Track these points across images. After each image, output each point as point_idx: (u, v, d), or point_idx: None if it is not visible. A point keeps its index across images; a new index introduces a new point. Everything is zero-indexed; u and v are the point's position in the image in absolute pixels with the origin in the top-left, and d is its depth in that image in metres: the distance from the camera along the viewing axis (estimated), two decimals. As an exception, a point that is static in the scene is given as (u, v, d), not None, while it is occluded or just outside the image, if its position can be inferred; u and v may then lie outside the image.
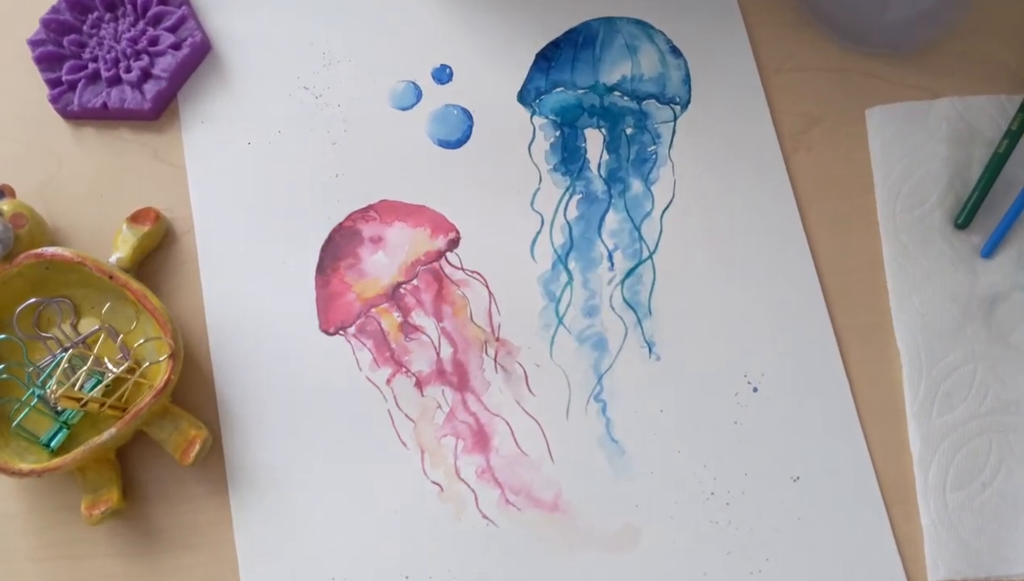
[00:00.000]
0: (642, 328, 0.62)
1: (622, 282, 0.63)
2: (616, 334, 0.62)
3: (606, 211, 0.65)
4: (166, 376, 0.59)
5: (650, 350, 0.62)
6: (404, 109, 0.67)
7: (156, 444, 0.60)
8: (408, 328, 0.62)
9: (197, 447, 0.59)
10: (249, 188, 0.65)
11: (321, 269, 0.63)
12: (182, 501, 0.60)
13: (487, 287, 0.63)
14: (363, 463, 0.59)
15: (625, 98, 0.66)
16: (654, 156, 0.66)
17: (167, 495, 0.60)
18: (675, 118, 0.66)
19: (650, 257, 0.64)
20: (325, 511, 0.59)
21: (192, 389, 0.61)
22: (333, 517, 0.59)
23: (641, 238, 0.64)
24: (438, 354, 0.61)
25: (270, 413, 0.61)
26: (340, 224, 0.64)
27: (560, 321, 0.62)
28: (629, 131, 0.66)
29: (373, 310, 0.62)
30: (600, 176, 0.65)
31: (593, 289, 0.63)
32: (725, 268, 0.63)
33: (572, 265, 0.63)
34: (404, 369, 0.61)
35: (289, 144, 0.66)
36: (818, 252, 0.64)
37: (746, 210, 0.63)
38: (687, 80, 0.67)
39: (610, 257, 0.63)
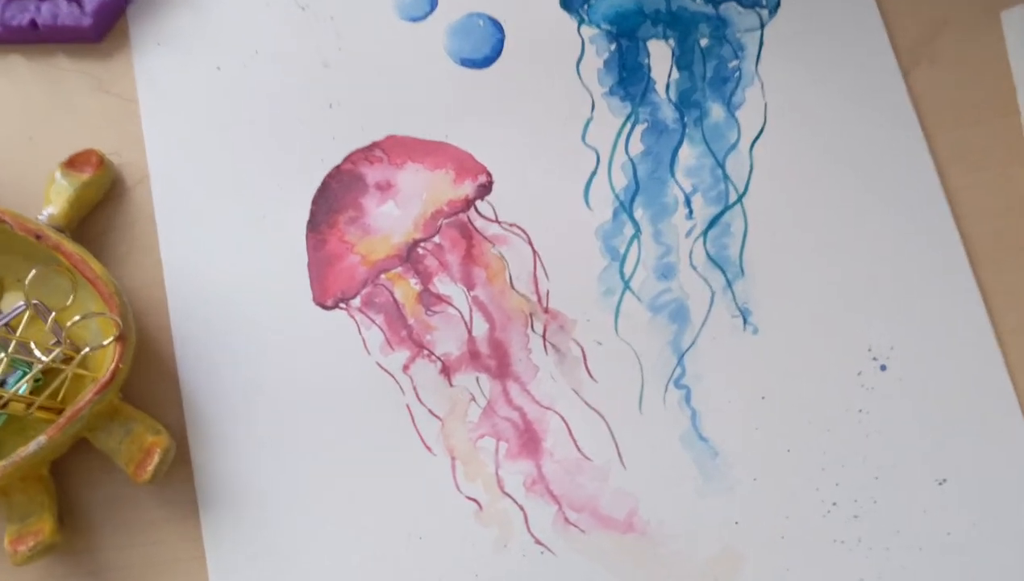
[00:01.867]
0: (733, 292, 0.52)
1: (705, 233, 0.53)
2: (700, 301, 0.52)
3: (679, 144, 0.54)
4: (113, 365, 0.48)
5: (745, 320, 0.52)
6: (415, 20, 0.57)
7: (103, 456, 0.49)
8: (430, 299, 0.52)
9: (156, 458, 0.48)
10: (219, 125, 0.55)
11: (314, 225, 0.54)
12: (138, 530, 0.50)
13: (530, 244, 0.53)
14: (375, 475, 0.50)
15: (698, 0, 0.56)
16: (737, 73, 0.55)
17: (118, 523, 0.50)
18: (762, 25, 0.56)
19: (739, 200, 0.53)
20: (326, 539, 0.50)
21: (149, 382, 0.51)
22: (337, 547, 0.49)
23: (726, 177, 0.54)
24: (470, 331, 0.51)
25: (251, 412, 0.51)
26: (337, 167, 0.54)
27: (627, 286, 0.52)
28: (704, 42, 0.55)
29: (383, 276, 0.52)
30: (669, 100, 0.55)
31: (668, 243, 0.53)
32: (835, 212, 0.53)
33: (639, 213, 0.53)
34: (426, 352, 0.51)
35: (269, 68, 0.56)
36: (952, 191, 0.54)
37: (857, 140, 0.53)
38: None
39: (688, 202, 0.53)
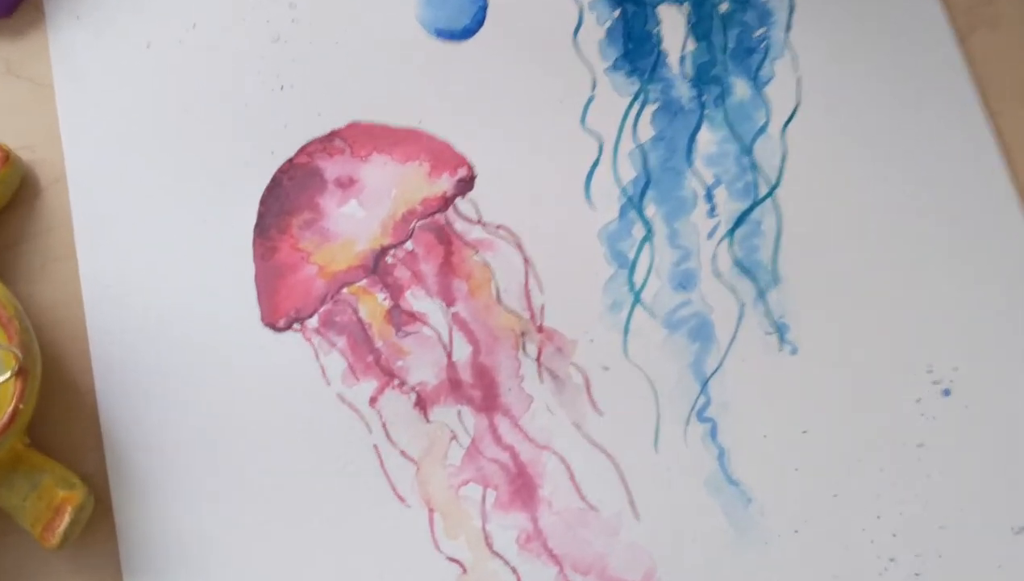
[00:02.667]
0: (766, 303, 0.46)
1: (731, 234, 0.47)
2: (726, 315, 0.46)
3: (697, 128, 0.48)
4: (12, 406, 0.41)
5: (781, 337, 0.46)
6: None
7: (5, 515, 0.44)
8: (401, 317, 0.47)
9: (67, 518, 0.43)
10: (149, 113, 0.50)
11: (262, 230, 0.48)
12: (49, 604, 0.44)
13: (520, 249, 0.47)
14: (336, 532, 0.45)
15: None
16: (764, 43, 0.49)
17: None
18: None
19: (771, 194, 0.47)
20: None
21: (62, 423, 0.46)
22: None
23: (754, 166, 0.48)
24: (449, 356, 0.46)
25: (188, 458, 0.46)
26: (290, 161, 0.49)
27: (637, 298, 0.47)
28: (725, 7, 0.50)
29: (345, 290, 0.47)
30: (684, 76, 0.49)
31: (686, 246, 0.47)
32: (885, 207, 0.47)
33: (651, 211, 0.48)
34: (397, 381, 0.46)
35: (209, 44, 0.50)
36: (1023, 178, 0.47)
37: (908, 119, 0.48)
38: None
39: (709, 196, 0.48)
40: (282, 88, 0.50)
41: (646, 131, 0.49)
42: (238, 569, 0.44)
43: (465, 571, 0.44)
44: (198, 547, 0.45)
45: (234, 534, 0.45)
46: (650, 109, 0.49)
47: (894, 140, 0.48)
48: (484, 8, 0.50)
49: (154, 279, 0.48)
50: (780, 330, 0.46)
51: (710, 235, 0.47)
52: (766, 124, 0.48)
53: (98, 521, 0.45)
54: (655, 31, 0.50)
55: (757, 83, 0.49)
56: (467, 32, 0.50)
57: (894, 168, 0.47)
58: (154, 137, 0.49)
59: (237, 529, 0.45)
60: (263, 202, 0.48)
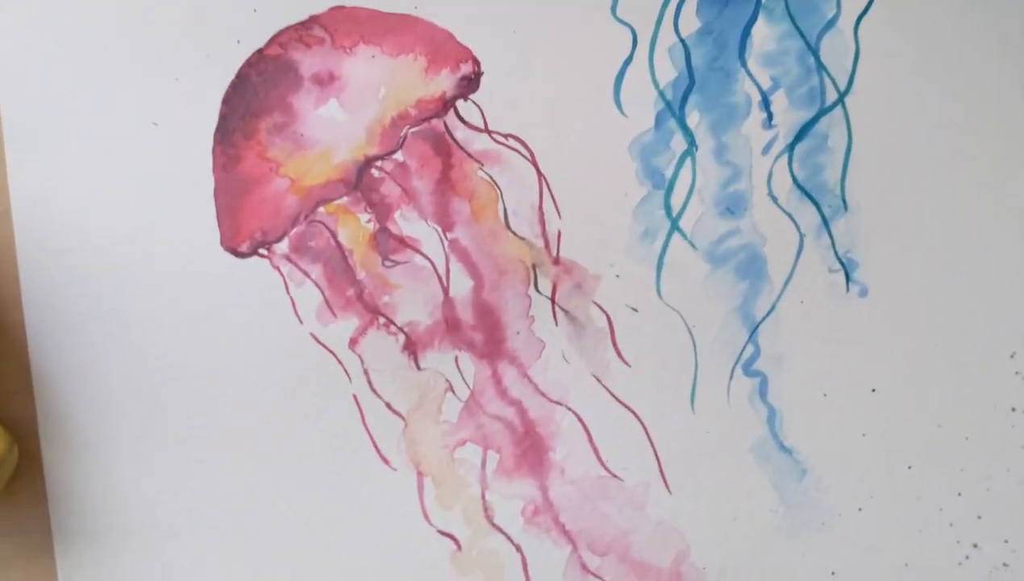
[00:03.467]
0: (831, 235, 0.42)
1: (790, 149, 0.42)
2: (782, 247, 0.42)
3: (752, 19, 0.43)
4: None
5: (848, 276, 0.41)
6: None
7: None
8: (389, 243, 0.43)
9: None
10: None
11: (225, 135, 0.43)
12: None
13: (534, 164, 0.42)
14: (306, 497, 0.42)
15: None
16: None
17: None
18: None
19: (840, 101, 0.42)
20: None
21: None
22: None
23: (821, 67, 0.42)
24: (446, 291, 0.42)
25: (131, 407, 0.42)
26: (259, 52, 0.43)
27: (675, 225, 0.42)
28: None
29: (322, 209, 0.43)
30: None
31: (736, 164, 0.42)
32: (977, 117, 0.42)
33: (694, 120, 0.42)
34: (383, 320, 0.42)
35: None
36: None
37: (1014, 9, 0.42)
38: None
39: (765, 103, 0.42)
40: (250, -37, 0.44)
41: (690, 22, 0.43)
42: (187, 539, 0.41)
43: (459, 548, 0.41)
44: (142, 512, 0.41)
45: (183, 498, 0.41)
46: None
47: (993, 36, 0.42)
48: None
49: (94, 193, 0.43)
50: (847, 267, 0.41)
51: (765, 150, 0.43)
52: (836, 16, 0.43)
53: (25, 478, 0.42)
54: (704, -96, 0.44)
55: (827, -36, 0.43)
56: None
57: (988, 70, 0.42)
58: (95, 25, 0.44)
59: (187, 492, 0.41)
60: (226, 101, 0.43)
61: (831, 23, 0.42)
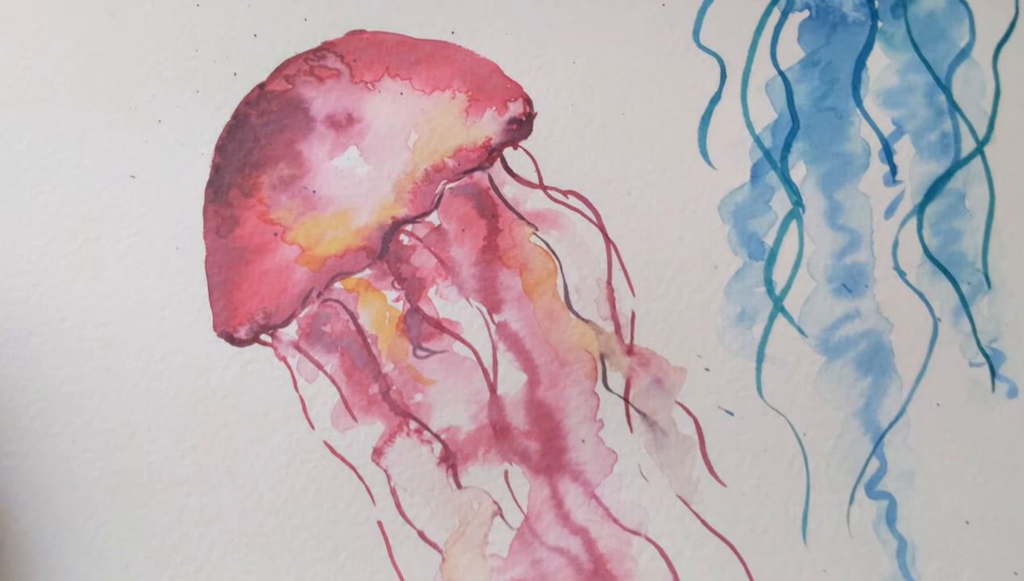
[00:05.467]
0: (971, 319, 0.35)
1: (920, 210, 0.35)
2: (912, 335, 0.35)
3: (868, 47, 0.36)
4: None
5: (993, 373, 0.35)
6: None
7: None
8: (422, 328, 0.35)
9: None
10: (54, 20, 0.37)
11: (218, 191, 0.36)
12: None
13: (601, 228, 0.35)
14: None
15: None
16: None
17: None
18: None
19: (979, 150, 0.35)
20: None
21: None
22: None
23: (955, 107, 0.35)
24: (492, 389, 0.35)
25: (105, 520, 0.34)
26: (261, 86, 0.37)
27: (778, 305, 0.35)
28: None
29: (339, 284, 0.35)
30: None
31: (853, 228, 0.36)
32: None
33: (800, 172, 0.36)
34: (414, 424, 0.35)
35: None
36: None
37: None
38: None
39: (887, 152, 0.35)
40: (250, -22, 0.37)
41: (791, 51, 0.36)
42: None
43: None
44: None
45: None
46: (797, 18, 0.36)
47: None
48: None
49: (61, 263, 0.36)
50: (991, 360, 0.35)
51: (889, 212, 0.36)
52: (970, 45, 0.36)
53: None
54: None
55: (958, -18, 0.36)
56: (526, -101, 0.36)
57: None
58: (64, 55, 0.36)
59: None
60: (220, 149, 0.36)
61: (964, 53, 0.36)
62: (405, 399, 0.34)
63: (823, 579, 0.33)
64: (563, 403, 0.35)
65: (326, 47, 0.36)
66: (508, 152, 0.35)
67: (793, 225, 0.35)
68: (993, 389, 0.34)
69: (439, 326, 0.34)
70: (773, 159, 0.35)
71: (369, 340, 0.35)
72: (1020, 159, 0.35)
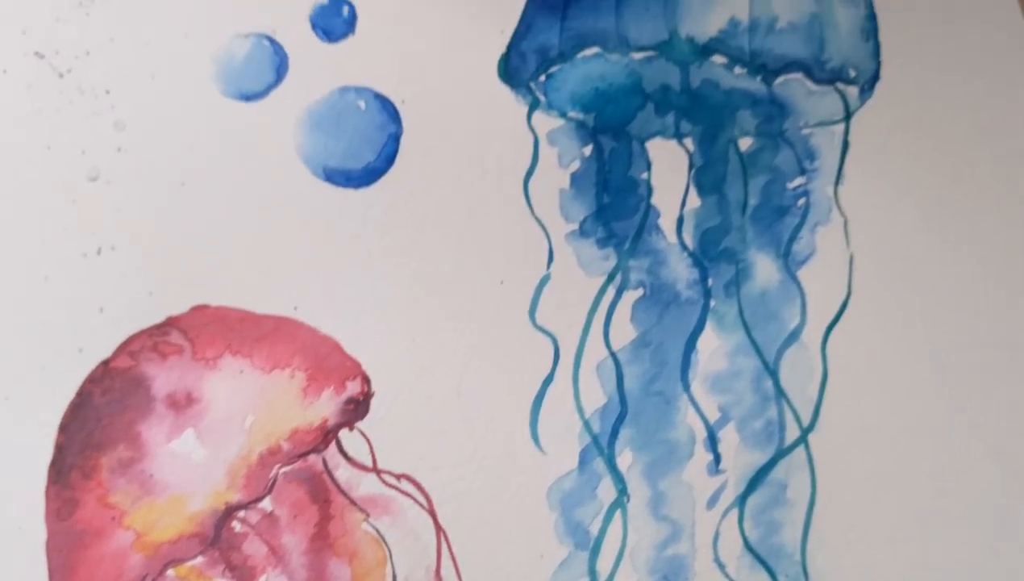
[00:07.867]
0: None
1: (741, 501, 0.35)
2: None
3: (698, 329, 0.36)
4: None
5: None
6: (249, 98, 0.38)
7: None
8: None
9: None
10: None
11: (60, 472, 0.35)
12: None
13: (432, 515, 0.35)
14: None
15: (736, 70, 0.37)
16: (803, 201, 0.37)
17: None
18: (848, 114, 0.37)
19: (802, 439, 0.35)
20: None
21: None
22: None
23: (782, 394, 0.35)
24: None
25: None
26: (105, 363, 0.36)
27: None
28: (747, 144, 0.37)
29: (171, 572, 0.34)
30: (684, 247, 0.37)
31: (676, 519, 0.35)
32: (979, 463, 0.35)
33: (626, 459, 0.35)
34: None
35: None
36: None
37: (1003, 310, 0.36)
38: (873, 31, 0.38)
39: (711, 441, 0.35)
40: (99, 252, 0.37)
41: (623, 332, 0.36)
42: None
43: None
44: None
45: None
46: (630, 297, 0.36)
47: (985, 346, 0.36)
48: (397, 138, 0.37)
49: None
50: None
51: (711, 503, 0.35)
52: (800, 327, 0.36)
53: None
54: (643, 178, 0.37)
55: (789, 263, 0.36)
56: (370, 174, 0.37)
57: (994, 396, 0.35)
58: None
59: None
60: (63, 428, 0.35)
61: (794, 335, 0.36)
62: None
63: None
64: None
65: (170, 322, 0.36)
66: (343, 433, 0.35)
67: (618, 514, 0.34)
68: None
69: (268, 617, 0.34)
70: (600, 445, 0.35)
71: (199, 630, 0.34)
72: (842, 447, 0.35)
